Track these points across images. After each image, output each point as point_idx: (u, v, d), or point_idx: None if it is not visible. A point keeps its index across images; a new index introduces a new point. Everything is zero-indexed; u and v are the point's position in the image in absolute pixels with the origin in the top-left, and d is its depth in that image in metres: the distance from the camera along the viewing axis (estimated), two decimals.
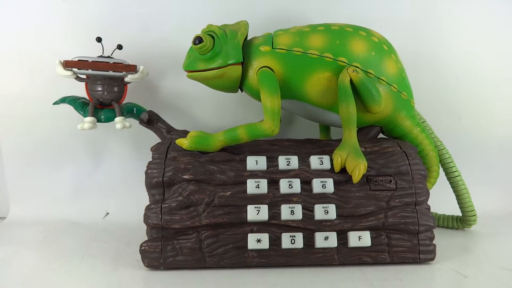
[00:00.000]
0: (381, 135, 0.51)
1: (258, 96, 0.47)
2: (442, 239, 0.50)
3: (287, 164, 0.44)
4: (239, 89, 0.50)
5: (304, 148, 0.47)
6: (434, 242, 0.43)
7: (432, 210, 0.45)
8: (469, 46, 0.64)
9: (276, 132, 0.45)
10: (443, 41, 0.63)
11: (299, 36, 0.47)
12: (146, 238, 0.43)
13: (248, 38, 0.50)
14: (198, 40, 0.46)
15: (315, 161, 0.44)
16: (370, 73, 0.46)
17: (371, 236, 0.42)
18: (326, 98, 0.47)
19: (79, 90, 0.54)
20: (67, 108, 0.53)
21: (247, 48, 0.48)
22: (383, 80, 0.46)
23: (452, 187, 0.52)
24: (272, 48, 0.47)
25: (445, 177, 0.53)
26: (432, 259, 0.43)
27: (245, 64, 0.48)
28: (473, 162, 0.63)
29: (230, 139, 0.45)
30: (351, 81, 0.44)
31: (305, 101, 0.48)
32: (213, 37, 0.47)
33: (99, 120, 0.52)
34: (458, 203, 0.53)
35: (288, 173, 0.44)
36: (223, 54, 0.47)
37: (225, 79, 0.48)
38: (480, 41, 0.64)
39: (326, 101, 0.47)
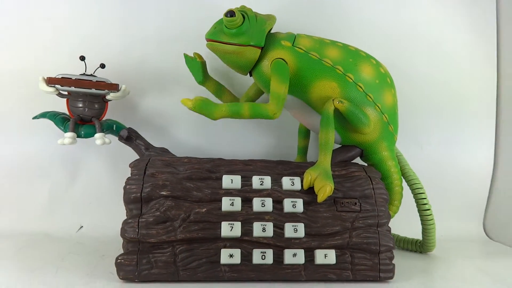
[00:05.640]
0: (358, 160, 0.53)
1: (265, 82, 0.50)
2: (402, 260, 0.52)
3: (261, 184, 0.46)
4: (248, 73, 0.53)
5: (276, 169, 0.48)
6: (393, 262, 0.45)
7: (394, 231, 0.46)
8: (429, 68, 0.67)
9: (277, 116, 0.47)
10: (402, 68, 0.66)
11: (319, 44, 0.50)
12: (120, 252, 0.43)
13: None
14: (230, 13, 0.48)
15: (286, 182, 0.46)
16: (370, 96, 0.49)
17: (336, 255, 0.44)
18: (323, 104, 0.49)
19: (60, 106, 0.55)
20: (46, 122, 0.54)
21: (269, 38, 0.51)
22: (378, 107, 0.49)
23: (421, 220, 0.53)
24: (292, 45, 0.50)
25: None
26: (391, 277, 0.45)
27: (263, 50, 0.50)
28: (434, 190, 0.61)
29: (232, 112, 0.46)
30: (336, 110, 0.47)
31: (304, 100, 0.51)
32: (243, 16, 0.49)
33: (79, 136, 0.52)
34: (423, 233, 0.54)
35: (261, 192, 0.45)
36: (247, 34, 0.49)
37: (241, 58, 0.50)
38: (441, 66, 0.67)
39: (322, 106, 0.49)
